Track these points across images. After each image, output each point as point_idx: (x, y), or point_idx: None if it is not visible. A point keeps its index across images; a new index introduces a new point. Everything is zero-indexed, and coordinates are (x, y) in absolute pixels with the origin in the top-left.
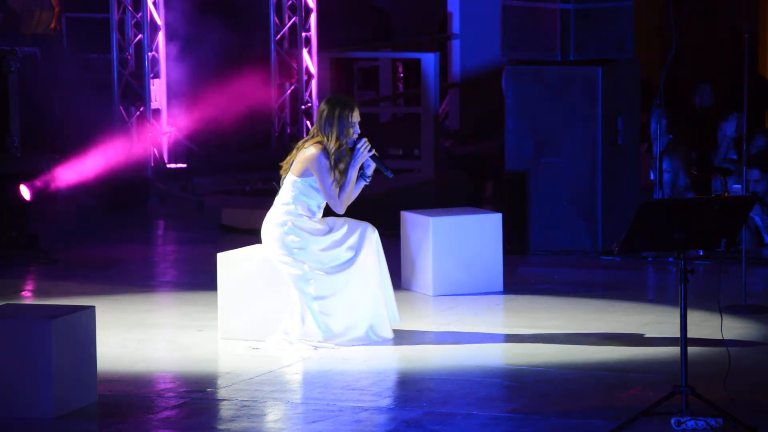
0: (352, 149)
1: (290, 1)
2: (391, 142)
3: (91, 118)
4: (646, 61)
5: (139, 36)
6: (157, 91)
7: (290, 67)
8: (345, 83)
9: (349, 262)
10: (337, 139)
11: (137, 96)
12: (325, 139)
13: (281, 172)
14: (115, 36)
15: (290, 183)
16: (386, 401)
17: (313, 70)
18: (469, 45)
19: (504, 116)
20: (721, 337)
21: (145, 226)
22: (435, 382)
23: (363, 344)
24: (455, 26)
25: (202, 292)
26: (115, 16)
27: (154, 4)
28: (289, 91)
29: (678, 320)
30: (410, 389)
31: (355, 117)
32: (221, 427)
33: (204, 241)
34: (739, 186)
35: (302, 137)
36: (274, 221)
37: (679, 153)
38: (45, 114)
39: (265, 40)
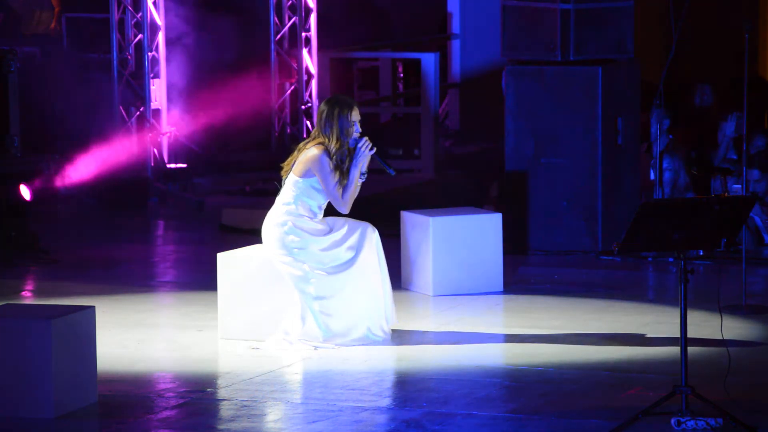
0: (354, 149)
1: (290, 1)
2: (391, 142)
3: (91, 118)
4: (646, 61)
5: (139, 36)
6: (157, 91)
7: (290, 67)
8: (345, 83)
9: (350, 263)
10: (338, 139)
11: (137, 96)
12: (326, 140)
13: (282, 173)
14: (115, 36)
15: (292, 183)
16: (386, 401)
17: (313, 70)
18: (469, 45)
19: (504, 116)
20: (721, 337)
21: (145, 226)
22: (435, 382)
23: (363, 344)
24: (455, 26)
25: (202, 292)
26: (115, 16)
27: (154, 4)
28: (289, 91)
29: (678, 320)
30: (410, 389)
31: (355, 116)
32: (221, 427)
33: (204, 241)
34: (739, 186)
35: (302, 137)
36: (274, 221)
37: (679, 153)
38: (45, 114)
39: (265, 40)
